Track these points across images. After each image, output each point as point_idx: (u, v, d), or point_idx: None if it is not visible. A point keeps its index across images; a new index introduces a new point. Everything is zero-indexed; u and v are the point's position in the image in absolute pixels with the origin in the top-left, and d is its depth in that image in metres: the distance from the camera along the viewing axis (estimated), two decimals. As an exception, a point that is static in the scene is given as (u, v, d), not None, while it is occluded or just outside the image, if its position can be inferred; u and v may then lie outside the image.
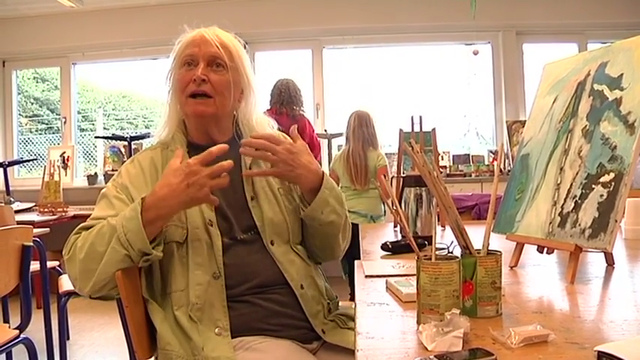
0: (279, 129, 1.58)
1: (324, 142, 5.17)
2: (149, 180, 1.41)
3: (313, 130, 4.59)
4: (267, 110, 4.26)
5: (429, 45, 5.82)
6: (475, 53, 5.62)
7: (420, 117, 2.07)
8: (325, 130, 5.37)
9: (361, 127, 4.06)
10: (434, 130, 2.14)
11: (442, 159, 5.41)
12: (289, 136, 1.43)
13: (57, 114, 6.06)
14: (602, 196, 1.15)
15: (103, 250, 1.24)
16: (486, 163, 5.50)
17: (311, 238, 1.48)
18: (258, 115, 1.53)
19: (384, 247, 1.62)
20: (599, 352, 0.73)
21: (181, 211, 1.34)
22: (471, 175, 5.32)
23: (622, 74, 1.23)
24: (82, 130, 6.12)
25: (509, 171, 3.73)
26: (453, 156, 5.58)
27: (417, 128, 2.07)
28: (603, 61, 1.31)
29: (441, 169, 4.67)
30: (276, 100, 4.34)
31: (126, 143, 5.39)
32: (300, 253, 1.46)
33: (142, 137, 5.42)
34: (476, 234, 1.04)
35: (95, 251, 1.25)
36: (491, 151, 5.59)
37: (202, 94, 1.40)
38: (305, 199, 1.43)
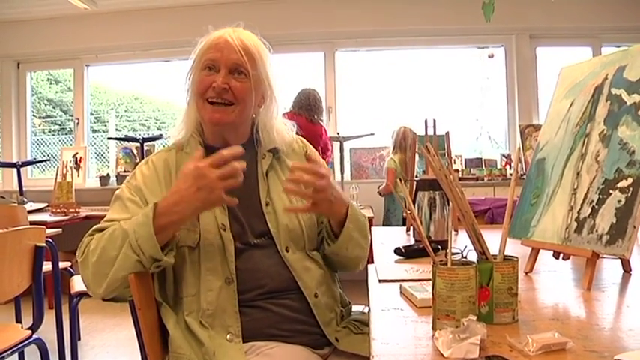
0: (297, 133, 1.55)
1: (336, 145, 5.18)
2: (163, 182, 1.39)
3: (329, 139, 4.75)
4: (286, 113, 4.34)
5: (442, 48, 5.80)
6: (491, 56, 5.60)
7: (434, 120, 2.06)
8: (338, 133, 5.37)
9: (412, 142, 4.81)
10: (447, 133, 2.12)
11: (454, 163, 5.39)
12: (309, 141, 1.41)
13: (70, 115, 6.11)
14: (619, 201, 1.13)
15: (114, 255, 1.24)
16: (499, 167, 5.46)
17: (331, 263, 1.47)
18: (278, 123, 1.48)
19: (398, 251, 1.61)
20: (619, 361, 0.72)
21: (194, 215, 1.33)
22: (483, 180, 5.30)
23: (641, 78, 1.22)
24: (95, 131, 6.16)
25: (521, 175, 3.71)
26: (465, 160, 5.56)
27: (430, 132, 2.05)
28: (621, 64, 1.30)
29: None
30: (295, 105, 4.61)
31: (138, 145, 5.41)
32: (317, 258, 1.43)
33: (154, 139, 5.44)
34: (490, 239, 1.02)
35: (107, 255, 1.25)
36: (503, 155, 5.55)
37: (222, 103, 1.37)
38: (332, 230, 1.41)
